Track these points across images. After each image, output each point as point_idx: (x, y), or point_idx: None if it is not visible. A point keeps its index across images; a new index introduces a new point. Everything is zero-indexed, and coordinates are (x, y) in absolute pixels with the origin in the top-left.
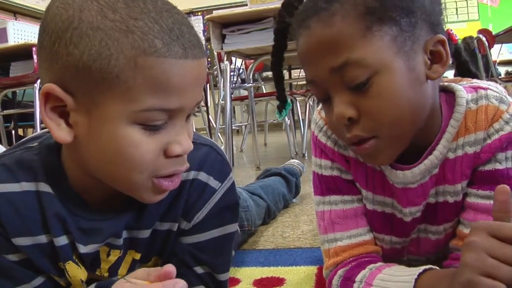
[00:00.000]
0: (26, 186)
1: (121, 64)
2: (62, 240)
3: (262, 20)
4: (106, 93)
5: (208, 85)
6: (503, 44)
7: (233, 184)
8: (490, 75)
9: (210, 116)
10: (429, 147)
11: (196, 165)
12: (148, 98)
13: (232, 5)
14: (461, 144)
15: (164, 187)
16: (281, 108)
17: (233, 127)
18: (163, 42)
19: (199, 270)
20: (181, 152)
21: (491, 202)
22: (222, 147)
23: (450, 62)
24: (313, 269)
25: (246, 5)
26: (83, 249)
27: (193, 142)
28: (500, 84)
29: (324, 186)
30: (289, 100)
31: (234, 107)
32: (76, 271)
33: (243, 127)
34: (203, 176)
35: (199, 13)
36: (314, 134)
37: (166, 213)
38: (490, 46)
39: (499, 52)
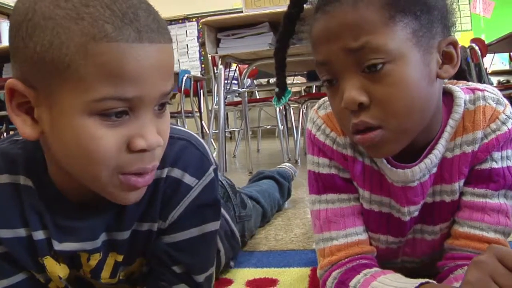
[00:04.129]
0: (8, 178)
1: (71, 52)
2: (39, 235)
3: (257, 25)
4: (61, 85)
5: (201, 90)
6: (496, 54)
7: (212, 180)
8: (483, 83)
9: (203, 122)
10: (428, 146)
11: (170, 161)
12: (102, 87)
13: (226, 12)
14: (459, 144)
15: (132, 183)
16: (280, 95)
17: (226, 133)
18: (113, 26)
19: (177, 269)
20: (145, 146)
21: (487, 200)
22: (215, 153)
23: None
24: (306, 271)
25: (240, 12)
26: (57, 246)
27: (169, 136)
28: None
29: (321, 184)
30: (289, 88)
31: (227, 113)
32: (54, 267)
33: (236, 133)
34: (177, 173)
35: (194, 19)
36: (311, 133)
37: (144, 213)
38: (483, 55)
39: (491, 62)
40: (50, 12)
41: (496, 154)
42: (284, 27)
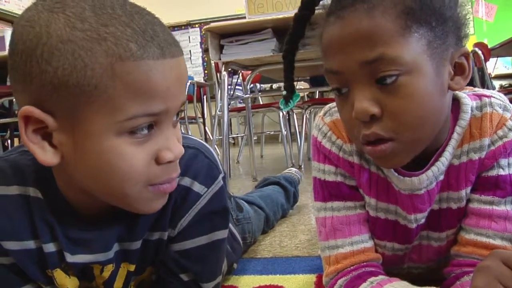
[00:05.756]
0: (17, 190)
1: (98, 73)
2: (50, 247)
3: (260, 31)
4: (87, 107)
5: (204, 96)
6: (499, 58)
7: (221, 188)
8: (486, 88)
9: (206, 128)
10: (436, 153)
11: (180, 169)
12: (132, 105)
13: (229, 18)
14: (466, 151)
15: (162, 191)
16: (288, 98)
17: (229, 139)
18: (138, 45)
19: (184, 277)
20: (172, 158)
21: (493, 207)
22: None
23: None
24: (311, 277)
25: (243, 18)
26: (70, 258)
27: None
28: None
29: (326, 192)
30: (297, 92)
31: (230, 119)
32: (64, 280)
33: (240, 138)
34: (186, 181)
35: (197, 25)
36: (317, 140)
37: (155, 222)
38: (486, 60)
39: (494, 66)
40: (67, 34)
41: (503, 161)
42: (294, 30)
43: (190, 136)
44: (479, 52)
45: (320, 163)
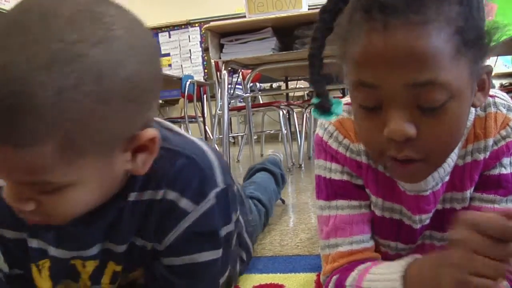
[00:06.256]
0: None
1: None
2: (34, 241)
3: (260, 30)
4: None
5: (205, 95)
6: (498, 57)
7: (212, 208)
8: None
9: (206, 127)
10: None
11: (167, 181)
12: None
13: (228, 17)
14: (470, 151)
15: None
16: (324, 105)
17: (230, 138)
18: None
19: None
20: None
21: (495, 206)
22: None
23: None
24: (312, 276)
25: (243, 17)
26: (53, 251)
27: (171, 150)
28: None
29: (331, 190)
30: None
31: (230, 118)
32: (37, 278)
33: (240, 137)
34: (173, 195)
35: (197, 25)
36: (323, 140)
37: (139, 231)
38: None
39: (494, 65)
40: None
41: (506, 160)
42: (323, 23)
43: (193, 140)
44: None
45: (327, 161)
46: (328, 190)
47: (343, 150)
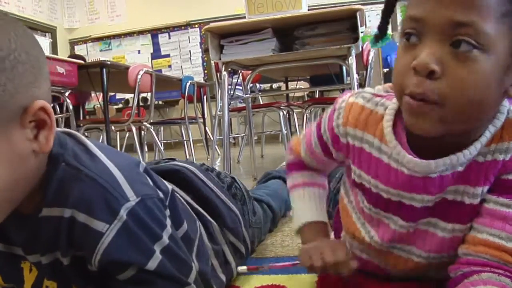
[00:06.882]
0: None
1: None
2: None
3: (260, 31)
4: None
5: (205, 96)
6: None
7: (128, 224)
8: None
9: (207, 128)
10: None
11: (72, 202)
12: None
13: (228, 18)
14: (493, 150)
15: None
16: (379, 38)
17: (230, 139)
18: None
19: None
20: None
21: (510, 210)
22: (219, 159)
23: None
24: (313, 277)
25: (243, 18)
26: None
27: (77, 168)
28: None
29: (318, 133)
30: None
31: (231, 119)
32: (27, 274)
33: (240, 138)
34: (82, 217)
35: (196, 26)
36: (332, 121)
37: (52, 244)
38: None
39: None
40: None
41: None
42: None
43: (100, 159)
44: None
45: (329, 121)
46: (319, 131)
47: (343, 139)
